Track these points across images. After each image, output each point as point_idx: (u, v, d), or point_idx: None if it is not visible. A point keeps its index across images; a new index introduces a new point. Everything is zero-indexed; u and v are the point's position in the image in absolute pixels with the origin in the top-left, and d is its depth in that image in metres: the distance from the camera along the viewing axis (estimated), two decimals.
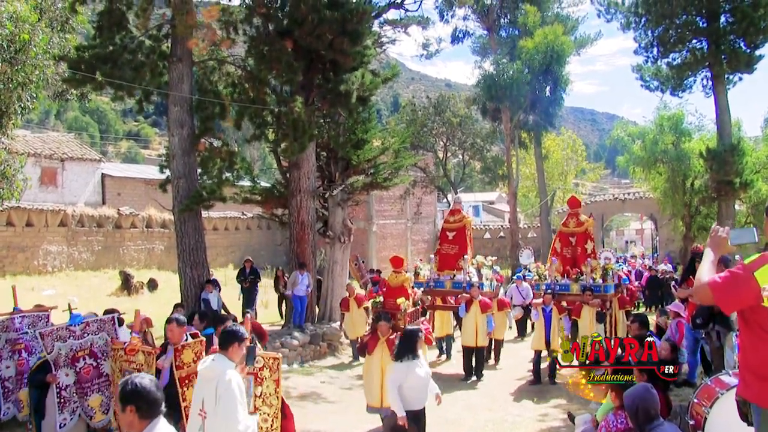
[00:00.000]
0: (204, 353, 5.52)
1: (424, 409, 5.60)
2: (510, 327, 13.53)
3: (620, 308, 11.28)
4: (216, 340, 6.82)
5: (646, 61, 19.97)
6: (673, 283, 13.82)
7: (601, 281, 10.40)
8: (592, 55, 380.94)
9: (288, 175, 13.68)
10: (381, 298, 8.34)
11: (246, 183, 14.21)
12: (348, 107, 12.82)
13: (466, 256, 11.12)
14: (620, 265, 15.60)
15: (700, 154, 19.25)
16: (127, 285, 17.10)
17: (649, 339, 5.97)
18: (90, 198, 23.26)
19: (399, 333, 7.09)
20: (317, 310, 13.58)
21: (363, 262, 18.74)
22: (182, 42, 11.37)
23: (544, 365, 10.05)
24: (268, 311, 15.69)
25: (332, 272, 13.73)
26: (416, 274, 11.61)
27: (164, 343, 5.71)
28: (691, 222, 20.54)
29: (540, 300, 10.15)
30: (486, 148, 29.29)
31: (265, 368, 5.15)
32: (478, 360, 10.34)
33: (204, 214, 13.69)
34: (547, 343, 9.75)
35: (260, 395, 5.07)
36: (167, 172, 12.47)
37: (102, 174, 24.22)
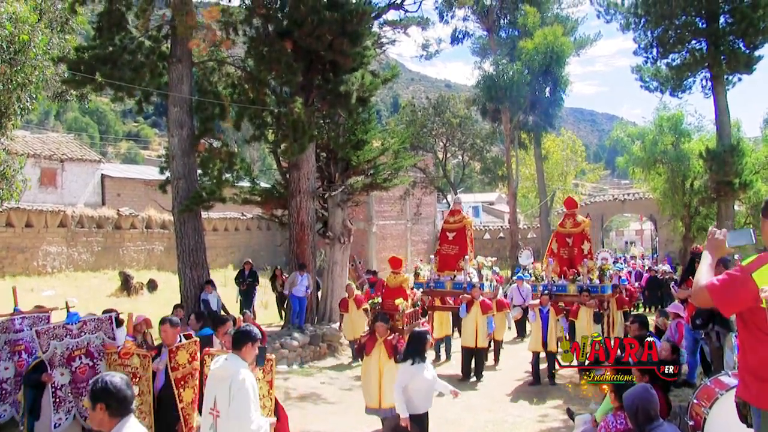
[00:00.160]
0: (198, 354, 5.51)
1: (427, 412, 5.57)
2: (509, 328, 13.52)
3: (618, 309, 11.29)
4: (215, 340, 6.84)
5: (646, 62, 19.98)
6: (672, 283, 13.82)
7: (598, 282, 10.40)
8: (592, 56, 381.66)
9: (288, 175, 13.68)
10: (379, 299, 8.33)
11: (246, 184, 14.21)
12: (348, 108, 12.82)
13: (466, 257, 11.11)
14: (620, 266, 15.59)
15: (699, 155, 19.26)
16: (126, 286, 17.08)
17: (649, 339, 5.96)
18: (89, 199, 23.26)
19: (397, 334, 7.09)
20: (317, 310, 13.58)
21: (360, 262, 18.73)
22: (182, 43, 11.37)
23: (543, 366, 10.04)
24: (268, 312, 15.69)
25: (332, 273, 13.74)
26: (416, 275, 11.61)
27: (159, 345, 5.70)
28: (690, 222, 20.55)
29: (537, 301, 10.15)
30: (486, 148, 29.29)
31: (258, 369, 5.15)
32: (478, 361, 10.33)
33: (204, 214, 13.69)
34: (544, 344, 9.74)
35: None
36: (167, 173, 12.47)
37: (102, 175, 24.22)
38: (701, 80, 19.27)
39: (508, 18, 27.20)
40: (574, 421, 6.43)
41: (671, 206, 20.79)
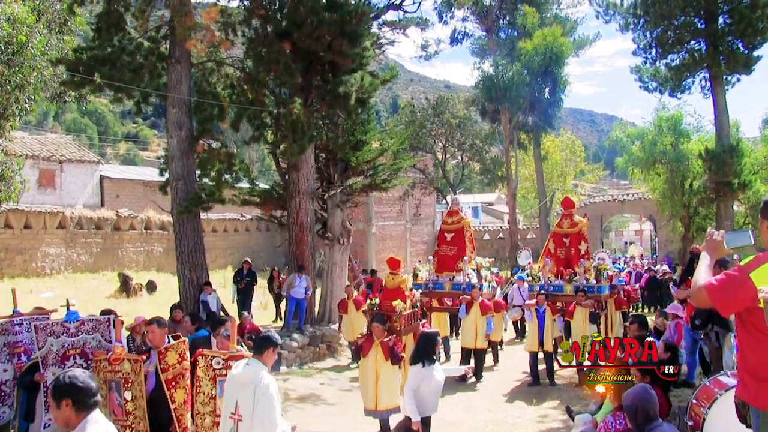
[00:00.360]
0: (188, 354, 5.48)
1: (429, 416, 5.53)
2: (505, 329, 13.52)
3: (617, 309, 11.28)
4: (214, 341, 6.81)
5: (645, 63, 19.98)
6: (671, 284, 13.83)
7: (594, 282, 10.40)
8: (591, 57, 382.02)
9: (287, 176, 13.67)
10: (377, 300, 8.32)
11: (245, 185, 14.20)
12: (347, 109, 12.82)
13: (465, 258, 11.10)
14: (619, 266, 15.59)
15: (698, 155, 19.27)
16: (125, 287, 17.07)
17: (648, 339, 5.96)
18: (88, 200, 23.24)
19: (394, 336, 7.07)
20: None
21: (357, 263, 18.69)
22: (181, 43, 11.36)
23: (541, 366, 10.04)
24: (267, 312, 15.69)
25: (331, 274, 13.72)
26: (415, 276, 11.60)
27: (148, 347, 5.66)
28: (689, 223, 20.55)
29: (533, 301, 10.15)
30: (485, 149, 29.29)
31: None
32: (477, 361, 10.32)
33: (203, 215, 13.68)
34: (541, 344, 9.74)
35: None
36: (166, 175, 12.46)
37: (100, 176, 24.20)
38: (700, 81, 19.28)
39: (508, 18, 27.21)
40: (573, 420, 6.41)
41: (670, 207, 20.80)
